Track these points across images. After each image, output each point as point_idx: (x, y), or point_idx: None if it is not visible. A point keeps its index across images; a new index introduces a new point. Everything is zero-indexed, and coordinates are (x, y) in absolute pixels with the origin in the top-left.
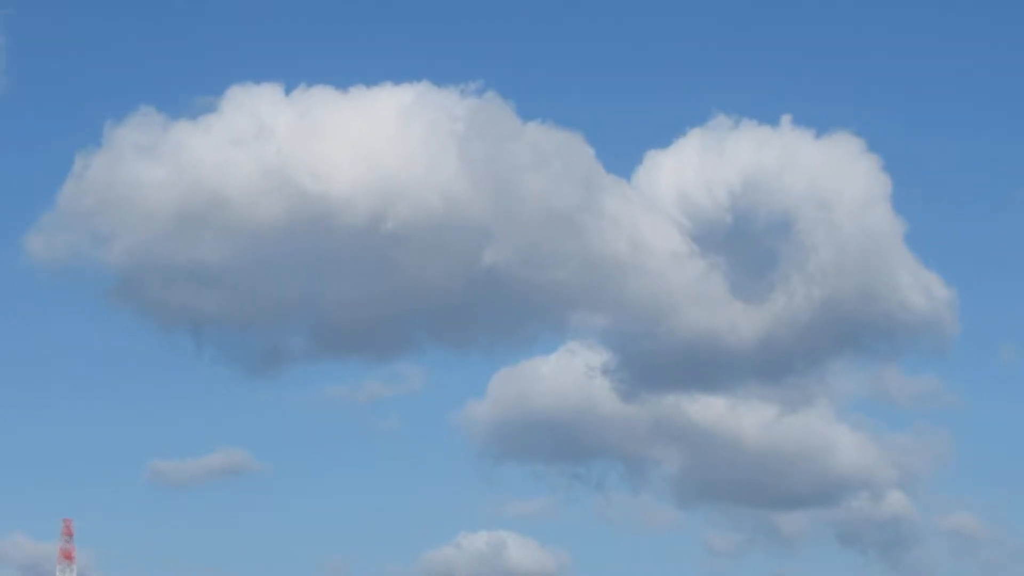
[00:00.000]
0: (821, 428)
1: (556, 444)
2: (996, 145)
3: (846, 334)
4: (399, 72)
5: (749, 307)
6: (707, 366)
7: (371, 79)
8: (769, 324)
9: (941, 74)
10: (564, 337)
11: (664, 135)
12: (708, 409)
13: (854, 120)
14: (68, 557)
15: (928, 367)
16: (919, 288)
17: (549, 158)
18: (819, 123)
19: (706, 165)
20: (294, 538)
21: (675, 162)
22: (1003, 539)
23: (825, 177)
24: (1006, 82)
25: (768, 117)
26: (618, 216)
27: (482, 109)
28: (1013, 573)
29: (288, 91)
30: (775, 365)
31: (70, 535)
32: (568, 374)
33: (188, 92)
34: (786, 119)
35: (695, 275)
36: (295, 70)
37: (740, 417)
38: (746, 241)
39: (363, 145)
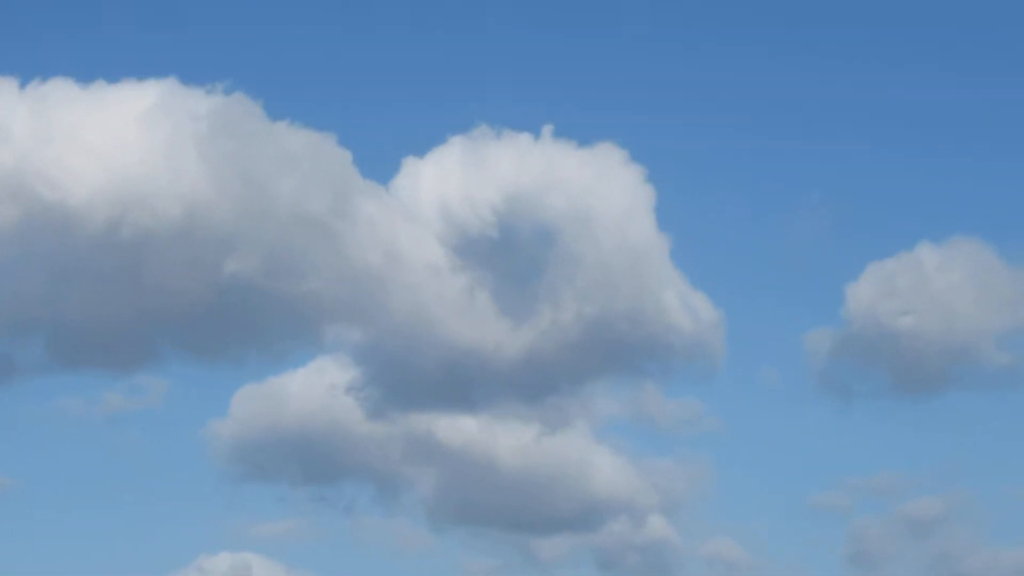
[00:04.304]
0: (580, 450)
1: (303, 465)
2: (767, 156)
3: (609, 354)
4: (143, 67)
5: (513, 324)
6: (464, 384)
7: (113, 75)
8: (532, 342)
9: (706, 80)
10: (318, 352)
11: (422, 142)
12: (463, 429)
13: (617, 130)
14: None
15: (690, 390)
16: (686, 308)
17: (299, 160)
18: (581, 134)
19: (468, 176)
20: (23, 559)
21: (435, 170)
22: (762, 566)
23: (589, 190)
24: (777, 89)
25: (530, 127)
26: (375, 225)
27: (226, 108)
28: None
29: (23, 85)
30: (536, 384)
31: None
32: (316, 391)
33: None
34: (547, 130)
35: (457, 290)
36: (31, 62)
37: (497, 437)
38: (510, 256)
39: (102, 149)
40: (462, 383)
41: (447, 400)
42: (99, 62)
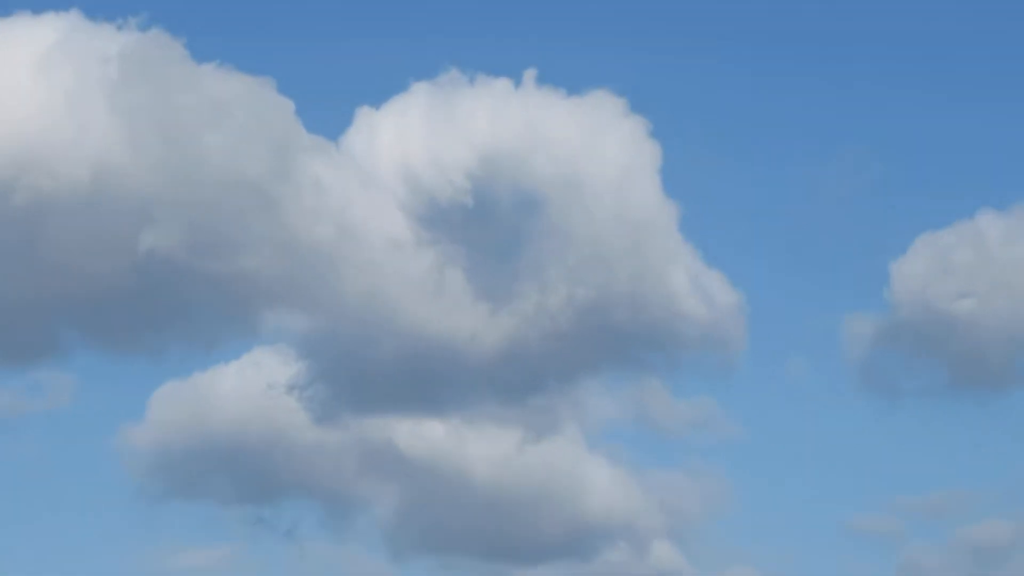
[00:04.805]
0: (571, 461)
1: (236, 480)
2: (796, 105)
3: (606, 345)
4: None
5: (491, 310)
6: (432, 382)
7: (3, 8)
8: (513, 331)
9: (720, 12)
10: (254, 342)
11: (380, 89)
12: (429, 436)
13: (613, 75)
14: None
15: (704, 388)
16: (698, 290)
17: (231, 112)
18: (571, 80)
19: (435, 131)
20: None
21: (395, 124)
22: None
23: (580, 148)
24: (807, 24)
25: (509, 71)
26: (323, 189)
27: (142, 48)
28: None
29: None
30: (518, 382)
31: None
32: (251, 390)
33: None
34: (530, 75)
35: (423, 269)
36: None
37: (470, 446)
38: (487, 228)
39: None
40: (429, 381)
41: (410, 401)
42: None
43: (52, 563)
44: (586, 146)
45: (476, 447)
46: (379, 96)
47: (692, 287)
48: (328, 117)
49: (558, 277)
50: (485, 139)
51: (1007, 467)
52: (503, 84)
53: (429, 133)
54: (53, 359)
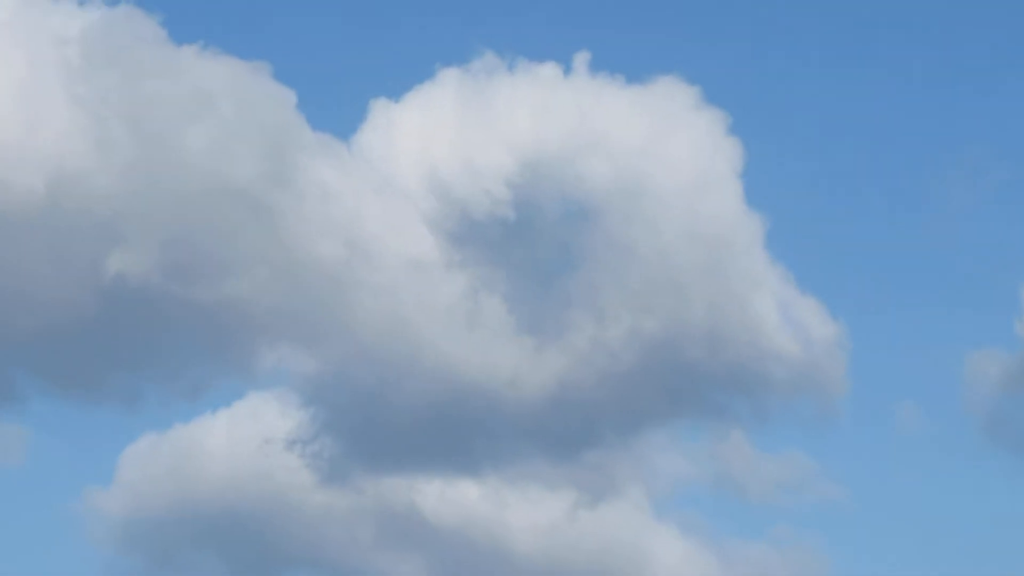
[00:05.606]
0: (635, 530)
1: (226, 553)
2: (906, 95)
3: (676, 389)
4: None
5: (535, 345)
6: (464, 434)
7: None
8: (562, 372)
9: None
10: (248, 387)
11: (400, 78)
12: (461, 499)
13: (683, 58)
14: None
15: (796, 441)
16: (789, 322)
17: (218, 104)
18: (632, 65)
19: (467, 128)
20: None
21: (419, 120)
22: None
23: (643, 148)
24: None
25: (557, 55)
26: (331, 199)
27: (109, 26)
28: None
29: None
30: (568, 434)
31: None
32: (244, 445)
33: None
34: (582, 59)
35: (454, 296)
36: None
37: (511, 511)
38: (531, 246)
39: None
40: (460, 432)
41: (438, 458)
42: None
43: None
44: (651, 146)
45: (518, 513)
46: (399, 86)
47: (782, 318)
48: (337, 111)
49: (618, 305)
50: (528, 138)
51: None
52: (550, 71)
53: (460, 131)
54: (4, 409)
